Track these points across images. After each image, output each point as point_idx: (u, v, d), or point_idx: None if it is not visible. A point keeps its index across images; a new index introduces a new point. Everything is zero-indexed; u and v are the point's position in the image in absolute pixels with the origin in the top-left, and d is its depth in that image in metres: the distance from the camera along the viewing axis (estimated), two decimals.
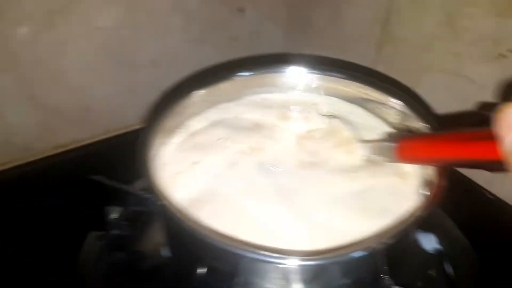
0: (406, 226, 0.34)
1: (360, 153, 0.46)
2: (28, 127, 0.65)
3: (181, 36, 0.71)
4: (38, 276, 0.52)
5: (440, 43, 0.57)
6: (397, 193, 0.43)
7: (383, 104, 0.49)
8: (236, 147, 0.47)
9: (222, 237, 0.35)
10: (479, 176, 0.58)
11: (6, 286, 0.51)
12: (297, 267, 0.34)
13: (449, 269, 0.49)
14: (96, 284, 0.47)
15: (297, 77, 0.53)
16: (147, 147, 0.41)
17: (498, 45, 0.51)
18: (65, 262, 0.51)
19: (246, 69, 0.50)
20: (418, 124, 0.44)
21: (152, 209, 0.41)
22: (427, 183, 0.40)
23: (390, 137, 0.44)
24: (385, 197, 0.43)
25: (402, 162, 0.42)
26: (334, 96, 0.52)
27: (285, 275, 0.36)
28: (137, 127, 0.72)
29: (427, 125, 0.43)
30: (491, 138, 0.26)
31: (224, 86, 0.50)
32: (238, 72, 0.50)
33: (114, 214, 0.50)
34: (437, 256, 0.50)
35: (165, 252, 0.46)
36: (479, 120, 0.28)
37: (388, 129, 0.50)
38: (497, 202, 0.58)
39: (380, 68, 0.66)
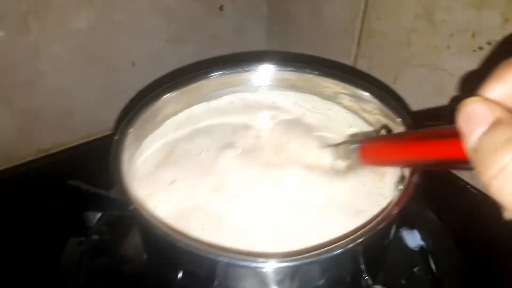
0: (377, 224, 0.34)
1: (327, 158, 0.45)
2: (7, 133, 0.64)
3: (160, 36, 0.70)
4: (17, 282, 0.51)
5: (419, 36, 0.56)
6: (375, 190, 0.43)
7: (359, 100, 0.48)
8: (211, 156, 0.47)
9: (193, 241, 0.34)
10: (462, 171, 0.58)
11: None
12: (272, 269, 0.34)
13: (433, 266, 0.49)
14: None
15: (270, 75, 0.52)
16: (119, 152, 0.40)
17: (476, 37, 0.51)
18: (45, 269, 0.50)
19: (217, 69, 0.49)
20: (394, 120, 0.44)
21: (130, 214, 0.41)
22: (403, 180, 0.40)
23: (354, 140, 0.43)
24: (363, 195, 0.42)
25: (367, 165, 0.41)
26: (311, 94, 0.52)
27: (262, 278, 0.35)
28: None
29: (402, 121, 0.42)
30: (455, 136, 0.24)
31: (198, 86, 0.49)
32: (211, 72, 0.49)
33: (93, 219, 0.50)
34: (421, 253, 0.50)
35: (145, 256, 0.46)
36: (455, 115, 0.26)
37: (366, 126, 0.49)
38: (481, 197, 0.58)
39: (361, 63, 0.66)
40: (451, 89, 0.55)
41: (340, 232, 0.38)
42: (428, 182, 0.38)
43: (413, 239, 0.51)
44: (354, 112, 0.50)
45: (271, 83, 0.52)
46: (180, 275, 0.38)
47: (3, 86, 0.60)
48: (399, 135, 0.38)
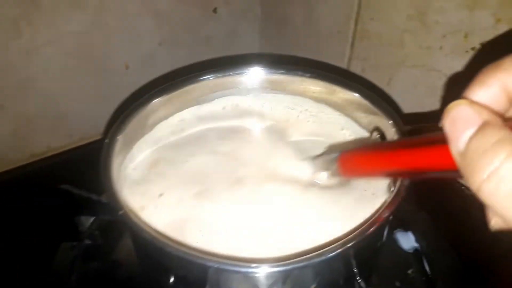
0: (368, 227, 0.33)
1: (307, 170, 0.45)
2: (0, 137, 0.64)
3: (154, 38, 0.70)
4: (9, 286, 0.51)
5: (412, 37, 0.56)
6: (368, 194, 0.42)
7: (351, 103, 0.48)
8: (197, 164, 0.46)
9: (184, 246, 0.34)
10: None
11: None
12: (264, 274, 0.33)
13: (427, 268, 0.49)
14: None
15: (262, 78, 0.51)
16: (109, 157, 0.40)
17: (469, 38, 0.51)
18: (37, 273, 0.50)
19: (209, 72, 0.49)
20: (386, 123, 0.43)
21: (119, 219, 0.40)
22: (396, 182, 0.39)
23: (334, 150, 0.41)
24: (355, 198, 0.42)
25: (348, 177, 0.40)
26: (303, 96, 0.52)
27: (254, 283, 0.35)
28: None
29: (394, 123, 0.42)
30: (440, 143, 0.23)
31: (189, 90, 0.49)
32: (202, 76, 0.49)
33: (86, 223, 0.50)
34: (416, 255, 0.50)
35: (137, 261, 0.46)
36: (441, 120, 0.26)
37: (358, 128, 0.49)
38: (476, 199, 0.57)
39: (355, 64, 0.66)
40: (444, 90, 0.55)
41: (333, 235, 0.38)
42: (422, 184, 0.38)
43: (407, 241, 0.51)
44: (346, 114, 0.50)
45: (263, 86, 0.52)
46: (172, 279, 0.37)
47: None
48: (382, 145, 0.36)
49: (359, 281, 0.37)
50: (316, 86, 0.49)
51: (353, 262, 0.36)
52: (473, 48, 0.51)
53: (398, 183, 0.37)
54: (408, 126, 0.41)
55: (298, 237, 0.39)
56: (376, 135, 0.45)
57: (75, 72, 0.65)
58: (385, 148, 0.32)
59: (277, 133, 0.50)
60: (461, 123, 0.21)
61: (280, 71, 0.50)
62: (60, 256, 0.50)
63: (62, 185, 0.45)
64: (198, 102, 0.51)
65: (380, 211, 0.35)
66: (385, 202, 0.37)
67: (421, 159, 0.26)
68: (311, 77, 0.49)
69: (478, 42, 0.50)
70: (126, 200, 0.41)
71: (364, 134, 0.48)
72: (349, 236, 0.33)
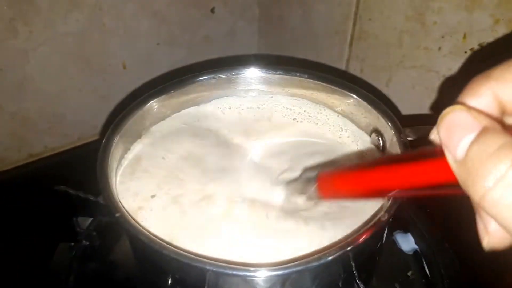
0: (366, 231, 0.33)
1: (282, 195, 0.43)
2: None
3: (151, 38, 0.70)
4: (7, 287, 0.51)
5: (410, 38, 0.56)
6: None
7: (349, 104, 0.48)
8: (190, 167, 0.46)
9: (180, 250, 0.34)
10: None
11: None
12: (263, 278, 0.33)
13: (427, 269, 0.49)
14: None
15: (260, 78, 0.51)
16: (105, 159, 0.40)
17: (468, 39, 0.51)
18: (35, 274, 0.50)
19: (206, 73, 0.49)
20: (384, 124, 0.43)
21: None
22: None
23: (311, 172, 0.38)
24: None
25: (329, 200, 0.38)
26: (301, 98, 0.51)
27: (252, 287, 0.35)
28: None
29: (392, 125, 0.42)
30: (433, 156, 0.21)
31: (186, 90, 0.49)
32: (199, 76, 0.49)
33: (84, 224, 0.50)
34: (415, 257, 0.50)
35: (135, 262, 0.46)
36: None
37: (357, 129, 0.49)
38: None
39: (354, 65, 0.66)
40: (443, 91, 0.54)
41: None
42: None
43: (407, 242, 0.51)
44: (345, 115, 0.50)
45: (261, 87, 0.52)
46: (169, 282, 0.37)
47: None
48: (368, 162, 0.32)
49: (358, 283, 0.37)
50: (314, 87, 0.49)
51: (353, 264, 0.36)
52: (471, 49, 0.51)
53: None
54: (407, 128, 0.41)
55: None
56: (375, 137, 0.45)
57: (72, 72, 0.65)
58: (371, 165, 0.29)
59: (261, 154, 0.49)
60: (458, 129, 0.20)
61: (278, 72, 0.50)
62: (58, 257, 0.50)
63: (60, 186, 0.45)
64: (196, 103, 0.51)
65: (380, 214, 0.35)
66: (384, 204, 0.37)
67: (412, 175, 0.24)
68: (309, 78, 0.49)
69: (477, 43, 0.50)
70: (123, 200, 0.41)
71: (363, 135, 0.48)
72: (348, 240, 0.33)
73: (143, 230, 0.35)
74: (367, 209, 0.40)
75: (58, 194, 0.44)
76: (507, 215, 0.18)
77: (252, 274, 0.33)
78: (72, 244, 0.50)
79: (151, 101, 0.47)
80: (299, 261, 0.33)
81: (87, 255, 0.50)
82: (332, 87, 0.47)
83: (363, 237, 0.33)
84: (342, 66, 0.67)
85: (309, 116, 0.51)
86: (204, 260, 0.33)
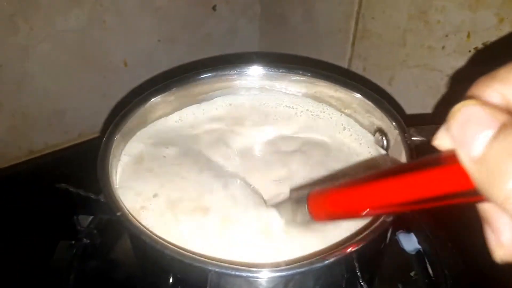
0: (371, 232, 0.33)
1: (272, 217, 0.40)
2: None
3: (153, 36, 0.70)
4: (7, 285, 0.51)
5: (414, 37, 0.56)
6: None
7: (352, 102, 0.48)
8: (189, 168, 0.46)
9: (182, 250, 0.34)
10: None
11: None
12: (266, 279, 0.33)
13: (430, 269, 0.48)
14: None
15: (262, 76, 0.51)
16: (106, 157, 0.40)
17: (472, 38, 0.51)
18: (35, 272, 0.50)
19: (208, 70, 0.49)
20: (387, 123, 0.43)
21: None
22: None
23: (300, 192, 0.34)
24: None
25: (323, 221, 0.34)
26: (303, 96, 0.51)
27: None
28: None
29: (396, 124, 0.42)
30: (440, 163, 0.20)
31: (188, 88, 0.49)
32: (201, 74, 0.48)
33: (84, 222, 0.50)
34: (418, 257, 0.50)
35: (136, 261, 0.45)
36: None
37: (360, 128, 0.49)
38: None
39: (356, 63, 0.65)
40: (446, 90, 0.54)
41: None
42: None
43: (409, 242, 0.51)
44: (348, 114, 0.50)
45: (263, 85, 0.51)
46: (171, 281, 0.37)
47: None
48: (365, 177, 0.27)
49: (361, 283, 0.37)
50: (317, 86, 0.49)
51: (356, 265, 0.36)
52: (475, 48, 0.50)
53: None
54: (411, 127, 0.41)
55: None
56: (378, 136, 0.45)
57: (72, 69, 0.65)
58: (370, 179, 0.26)
59: (262, 153, 0.49)
60: (472, 126, 0.18)
61: (280, 70, 0.49)
62: (59, 255, 0.50)
63: (61, 184, 0.45)
64: (197, 100, 0.51)
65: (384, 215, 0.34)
66: None
67: (417, 186, 0.22)
68: (311, 76, 0.48)
69: (481, 42, 0.50)
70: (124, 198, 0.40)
71: (366, 134, 0.48)
72: (352, 241, 0.33)
73: (145, 229, 0.35)
74: None
75: (58, 192, 0.44)
76: None
77: (254, 275, 0.32)
78: (73, 242, 0.50)
79: (153, 99, 0.46)
80: (303, 262, 0.32)
81: (87, 253, 0.50)
82: (336, 85, 0.47)
83: (368, 238, 0.33)
84: (344, 64, 0.67)
85: (312, 114, 0.51)
86: (207, 260, 0.32)
